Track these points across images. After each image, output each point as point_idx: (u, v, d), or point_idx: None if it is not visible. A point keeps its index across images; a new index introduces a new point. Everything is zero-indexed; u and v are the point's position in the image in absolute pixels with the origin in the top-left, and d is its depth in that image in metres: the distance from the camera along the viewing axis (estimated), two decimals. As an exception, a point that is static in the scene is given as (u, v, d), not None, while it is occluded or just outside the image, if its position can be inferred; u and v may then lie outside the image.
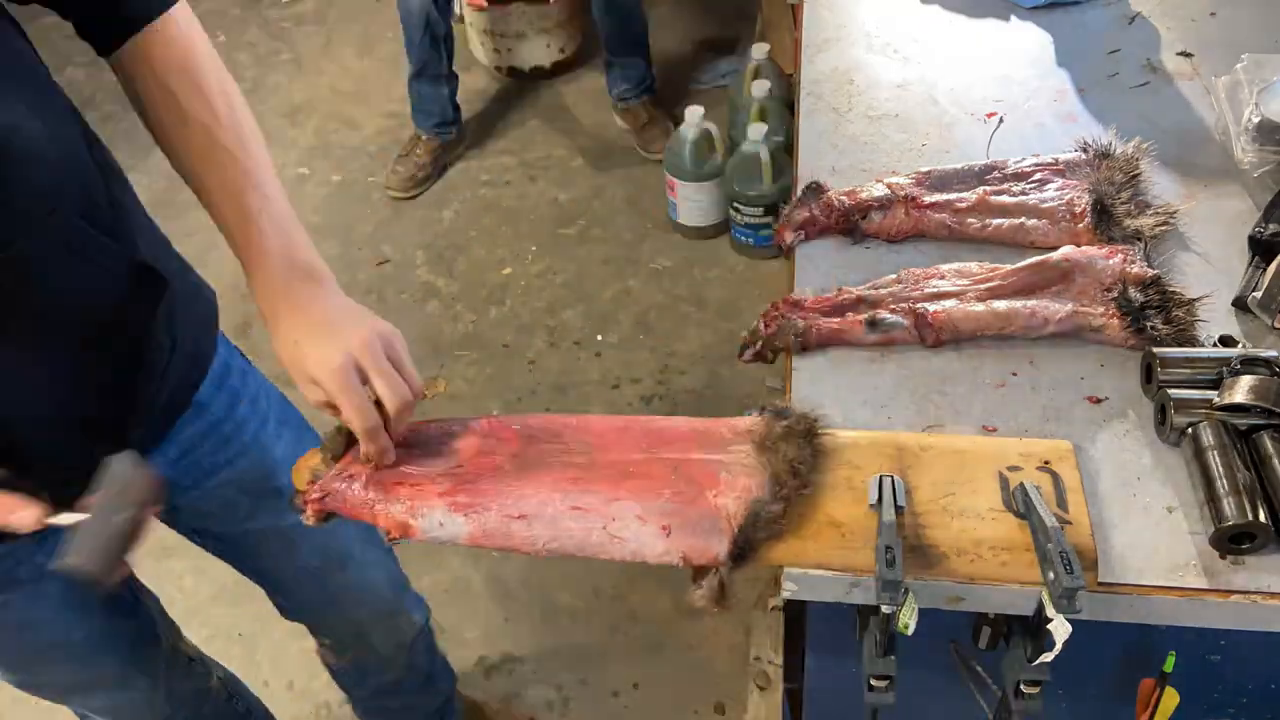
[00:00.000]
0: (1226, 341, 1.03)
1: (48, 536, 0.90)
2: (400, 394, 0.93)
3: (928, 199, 1.20)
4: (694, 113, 2.64)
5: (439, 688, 1.78)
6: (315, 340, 0.93)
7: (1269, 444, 0.91)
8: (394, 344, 0.95)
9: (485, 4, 2.94)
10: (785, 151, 2.56)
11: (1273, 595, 0.86)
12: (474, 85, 3.33)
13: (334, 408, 0.94)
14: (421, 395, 0.95)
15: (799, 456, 0.91)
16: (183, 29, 1.01)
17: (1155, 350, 0.99)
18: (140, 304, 1.07)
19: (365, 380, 0.92)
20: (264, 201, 1.00)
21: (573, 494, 0.92)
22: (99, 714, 1.38)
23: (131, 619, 1.32)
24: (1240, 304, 1.08)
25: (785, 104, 2.65)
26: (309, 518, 0.95)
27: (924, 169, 1.25)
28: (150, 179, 3.11)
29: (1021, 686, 0.90)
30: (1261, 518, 0.86)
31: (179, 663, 1.43)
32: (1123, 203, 1.16)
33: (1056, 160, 1.23)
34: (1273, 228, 1.11)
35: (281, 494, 1.26)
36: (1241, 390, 0.93)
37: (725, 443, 0.95)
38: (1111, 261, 1.09)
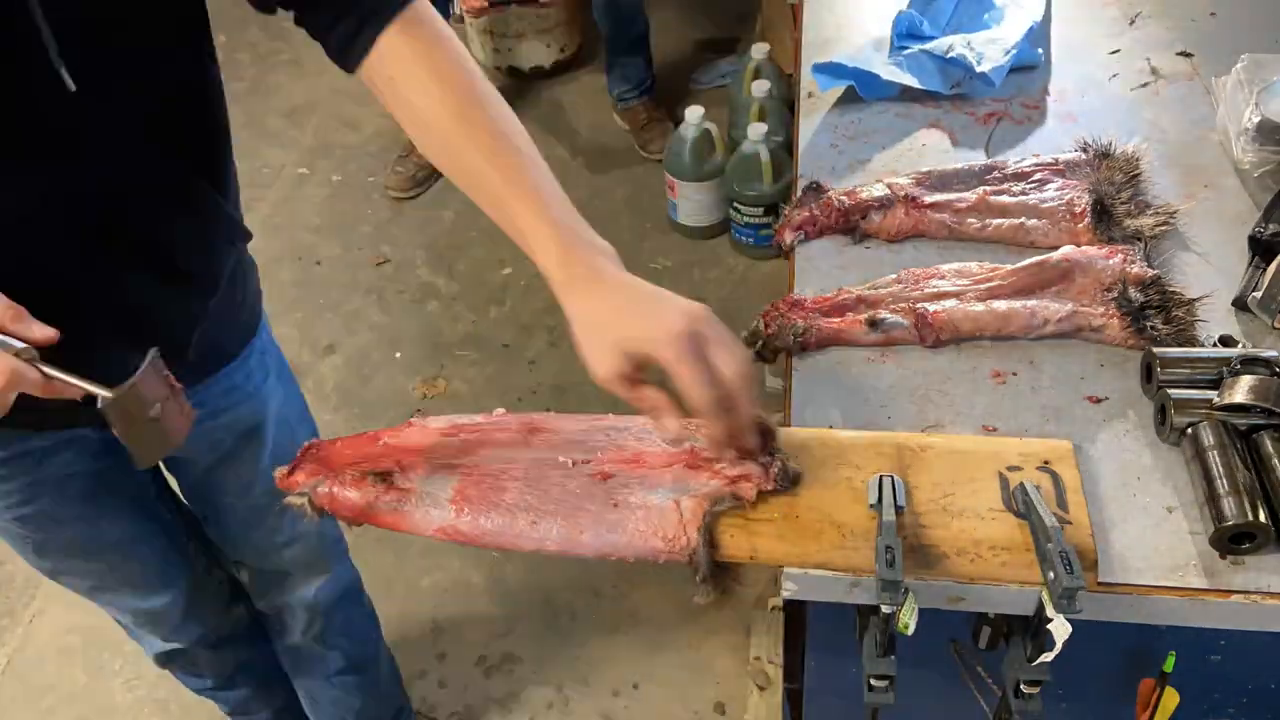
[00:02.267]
0: (1226, 341, 1.03)
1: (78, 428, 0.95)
2: (745, 365, 0.84)
3: (928, 199, 1.20)
4: (694, 113, 2.64)
5: (383, 690, 1.79)
6: (647, 305, 0.85)
7: (1269, 444, 0.91)
8: (714, 318, 0.86)
9: (485, 5, 2.93)
10: (785, 151, 2.56)
11: (1273, 595, 0.86)
12: (474, 85, 3.33)
13: (634, 385, 0.86)
14: (750, 364, 0.87)
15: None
16: (424, 18, 0.98)
17: (1155, 350, 0.99)
18: (224, 253, 1.13)
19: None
20: (545, 183, 0.94)
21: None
22: (125, 615, 1.45)
23: (160, 529, 1.37)
24: (1240, 304, 1.08)
25: (785, 104, 2.65)
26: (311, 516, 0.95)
27: (924, 169, 1.25)
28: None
29: (1021, 686, 0.90)
30: (1261, 518, 0.86)
31: (209, 584, 1.49)
32: (1123, 203, 1.16)
33: (1056, 160, 1.23)
34: (1273, 228, 1.11)
35: (264, 442, 1.32)
36: (1241, 390, 0.93)
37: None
38: (1111, 261, 1.09)
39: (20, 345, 0.84)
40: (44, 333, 0.84)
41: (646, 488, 0.93)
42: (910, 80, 1.38)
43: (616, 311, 0.86)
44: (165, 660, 1.56)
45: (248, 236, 1.19)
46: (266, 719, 1.78)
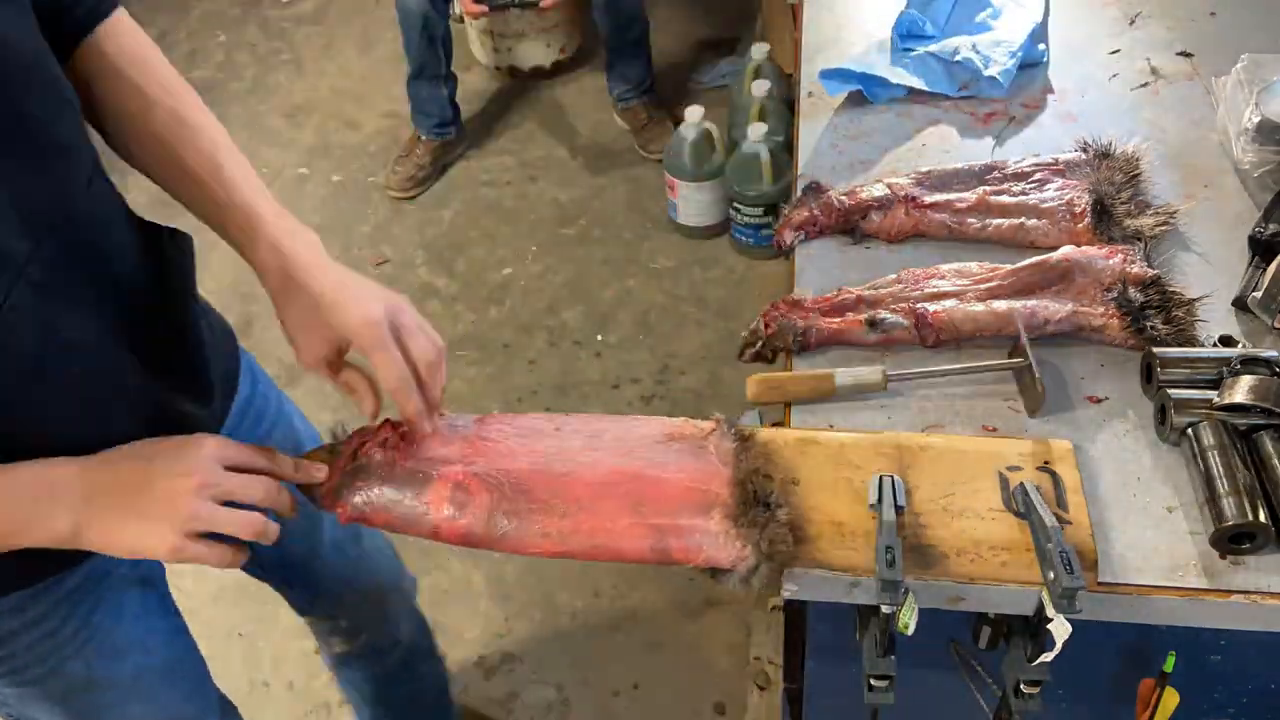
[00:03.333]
0: (1226, 341, 1.03)
1: None
2: (435, 350, 0.93)
3: (928, 199, 1.20)
4: (694, 113, 2.64)
5: (438, 669, 1.78)
6: (349, 294, 0.93)
7: (1269, 444, 0.91)
8: (406, 307, 0.95)
9: (486, 9, 2.92)
10: (785, 151, 2.56)
11: (1273, 595, 0.86)
12: (474, 85, 3.33)
13: (333, 369, 0.95)
14: (443, 350, 0.96)
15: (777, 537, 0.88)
16: (129, 27, 1.00)
17: (1155, 350, 0.99)
18: (179, 274, 1.07)
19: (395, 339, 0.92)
20: (243, 169, 0.99)
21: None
22: None
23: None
24: (1240, 304, 1.08)
25: (785, 104, 2.65)
26: (341, 515, 0.95)
27: (924, 169, 1.25)
28: (148, 180, 3.11)
29: (1021, 686, 0.90)
30: (1261, 518, 0.86)
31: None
32: (1123, 203, 1.16)
33: (1056, 160, 1.23)
34: (1273, 228, 1.11)
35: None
36: (1241, 390, 0.93)
37: (707, 506, 0.91)
38: (1111, 261, 1.09)
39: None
40: (322, 472, 0.93)
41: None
42: (918, 83, 1.39)
43: (323, 302, 0.92)
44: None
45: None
46: None
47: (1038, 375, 0.98)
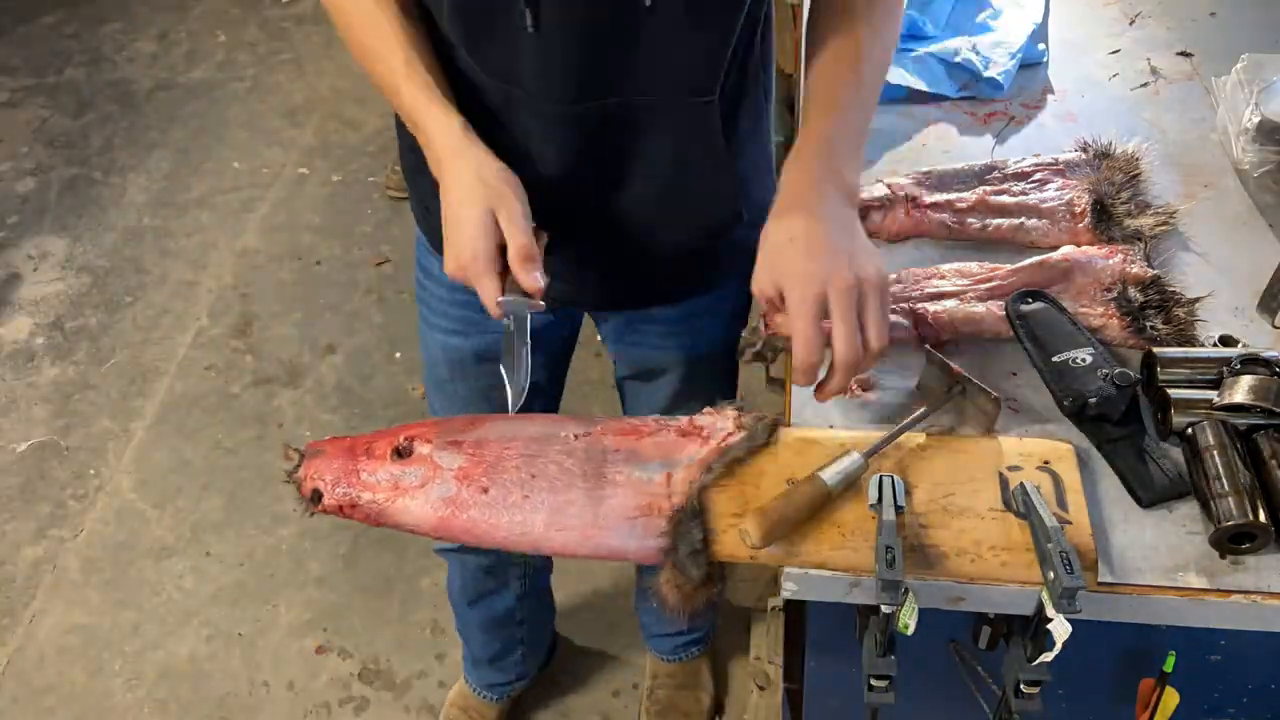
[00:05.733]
0: (1226, 341, 1.03)
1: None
2: (852, 351, 0.90)
3: (928, 199, 1.20)
4: (694, 113, 2.64)
5: None
6: (807, 249, 0.93)
7: (1269, 444, 0.91)
8: (873, 296, 0.91)
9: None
10: (785, 151, 2.55)
11: (1273, 595, 0.86)
12: (474, 85, 3.33)
13: (774, 309, 0.97)
14: (882, 355, 0.93)
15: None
16: None
17: (1155, 350, 0.99)
18: (714, 220, 1.15)
19: (826, 316, 0.91)
20: (854, 110, 1.05)
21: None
22: None
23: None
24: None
25: (785, 104, 2.64)
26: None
27: (924, 169, 1.25)
28: (150, 179, 3.11)
29: (1021, 686, 0.90)
30: (1261, 518, 0.85)
31: None
32: (1123, 203, 1.16)
33: (1056, 160, 1.23)
34: None
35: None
36: (1241, 390, 0.93)
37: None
38: (1111, 261, 1.09)
39: (539, 304, 0.96)
40: (534, 284, 0.95)
41: (638, 462, 0.94)
42: (918, 83, 1.39)
43: (789, 241, 0.95)
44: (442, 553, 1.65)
45: None
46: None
47: (988, 391, 0.96)
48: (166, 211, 3.04)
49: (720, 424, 0.97)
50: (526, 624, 1.81)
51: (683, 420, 0.99)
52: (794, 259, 0.93)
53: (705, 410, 1.00)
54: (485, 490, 0.93)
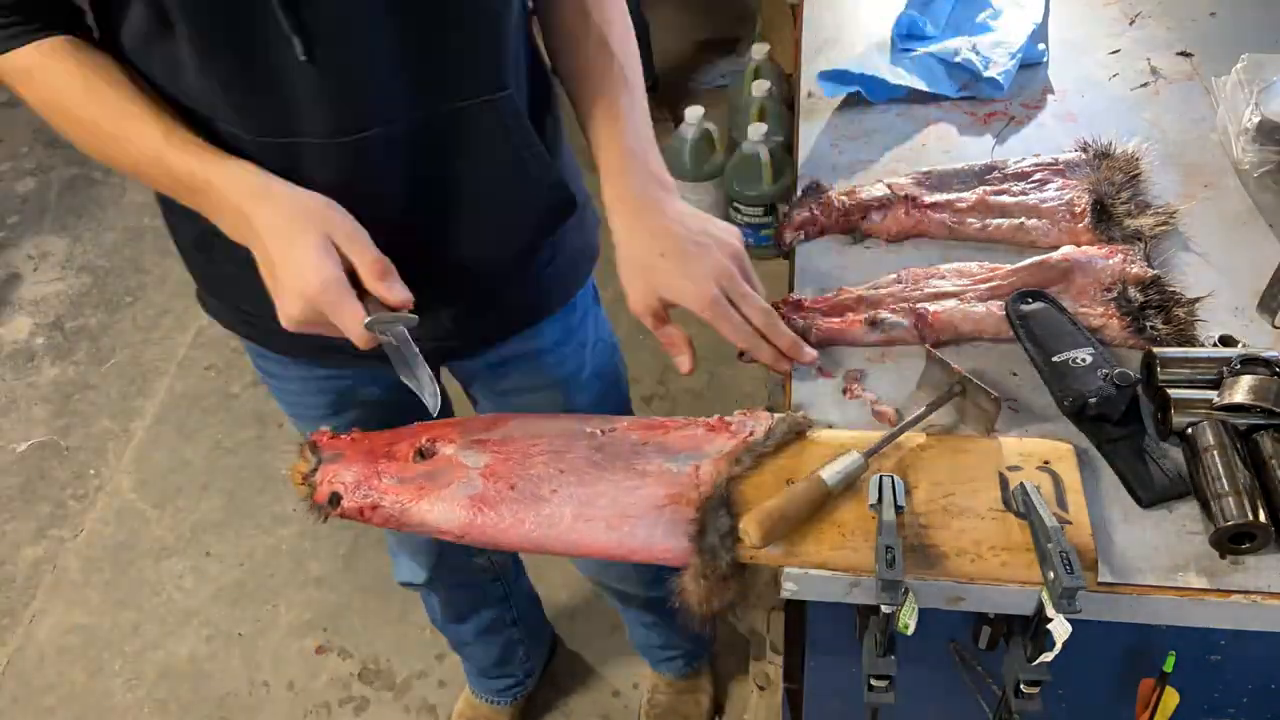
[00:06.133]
0: (1226, 341, 1.03)
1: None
2: (765, 312, 1.00)
3: (928, 199, 1.20)
4: (694, 113, 2.64)
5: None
6: (680, 254, 0.99)
7: (1269, 444, 0.91)
8: (742, 258, 1.01)
9: None
10: (785, 151, 2.56)
11: (1273, 595, 0.86)
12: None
13: (658, 320, 1.02)
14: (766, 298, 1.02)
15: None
16: None
17: (1155, 350, 0.99)
18: (546, 215, 1.13)
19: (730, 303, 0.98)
20: (633, 109, 1.05)
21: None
22: (392, 535, 1.47)
23: None
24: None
25: (785, 104, 2.65)
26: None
27: (924, 169, 1.25)
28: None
29: (1021, 686, 0.90)
30: (1261, 518, 0.85)
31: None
32: (1123, 203, 1.16)
33: (1056, 160, 1.23)
34: None
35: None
36: (1241, 390, 0.93)
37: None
38: (1111, 261, 1.09)
39: (411, 318, 0.90)
40: (401, 296, 0.89)
41: (667, 455, 0.95)
42: (918, 84, 1.39)
43: (657, 258, 0.99)
44: (408, 586, 1.62)
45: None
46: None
47: (988, 391, 0.96)
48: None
49: (750, 423, 0.98)
50: (520, 623, 1.81)
51: (712, 418, 1.00)
52: (672, 273, 0.98)
53: (737, 412, 1.01)
54: (513, 486, 0.93)
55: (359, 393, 1.24)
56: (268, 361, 1.23)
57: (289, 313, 0.88)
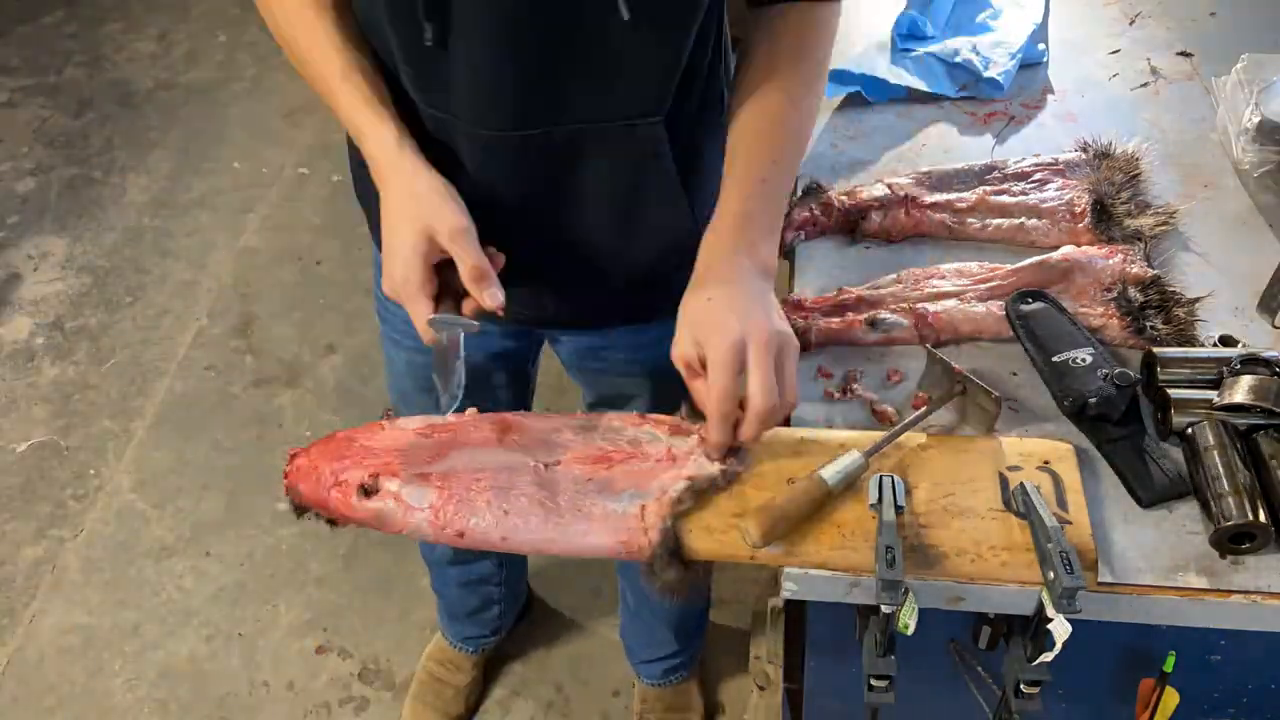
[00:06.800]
0: (1226, 341, 1.03)
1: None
2: (769, 399, 0.88)
3: (928, 199, 1.20)
4: (694, 113, 2.64)
5: None
6: (726, 307, 0.91)
7: (1269, 444, 0.91)
8: (788, 353, 0.91)
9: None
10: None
11: (1273, 595, 0.86)
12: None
13: (694, 375, 0.93)
14: (791, 409, 0.93)
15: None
16: (813, 21, 1.04)
17: (1155, 350, 0.99)
18: (664, 238, 1.10)
19: (743, 370, 0.89)
20: (771, 184, 1.00)
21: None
22: None
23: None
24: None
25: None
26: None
27: (924, 169, 1.25)
28: (150, 179, 3.11)
29: (1021, 686, 0.90)
30: (1261, 518, 0.85)
31: None
32: (1123, 203, 1.16)
33: (1056, 160, 1.23)
34: None
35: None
36: (1241, 390, 0.93)
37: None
38: (1111, 261, 1.09)
39: (473, 324, 0.93)
40: (491, 302, 0.92)
41: (610, 494, 0.93)
42: (918, 83, 1.39)
43: (707, 303, 0.92)
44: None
45: None
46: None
47: (989, 391, 0.96)
48: (166, 211, 3.04)
49: (694, 448, 0.95)
50: (504, 584, 1.86)
51: (660, 447, 0.97)
52: (712, 317, 0.91)
53: (677, 420, 0.99)
54: (461, 534, 0.92)
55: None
56: None
57: (383, 286, 0.96)
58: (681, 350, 0.93)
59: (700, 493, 0.91)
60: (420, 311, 0.93)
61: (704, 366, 0.91)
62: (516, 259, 0.99)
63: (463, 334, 0.95)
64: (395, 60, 0.98)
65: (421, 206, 0.93)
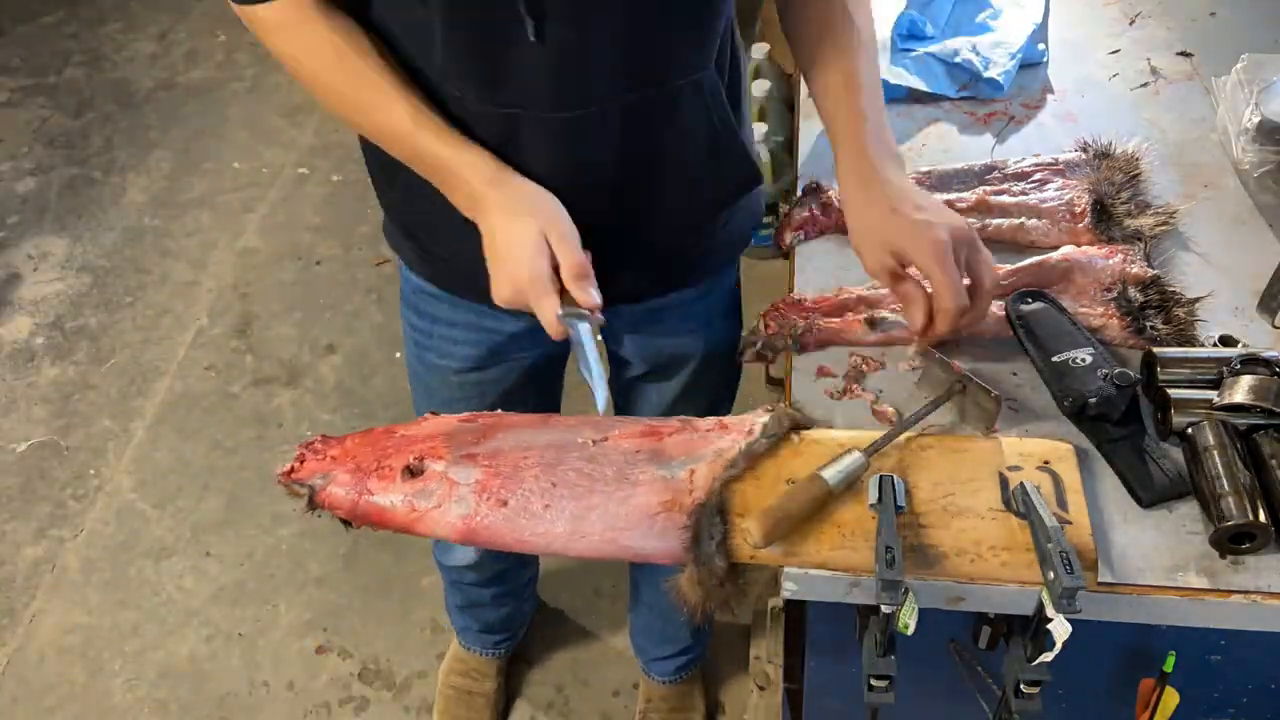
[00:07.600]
0: (1226, 341, 1.03)
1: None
2: (961, 298, 0.96)
3: (928, 199, 1.20)
4: (694, 113, 2.64)
5: None
6: (917, 211, 0.98)
7: (1269, 444, 0.91)
8: (977, 240, 0.99)
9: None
10: (785, 151, 2.56)
11: (1273, 595, 0.86)
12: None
13: (894, 279, 1.00)
14: (996, 283, 1.01)
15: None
16: None
17: (1155, 350, 0.99)
18: (734, 185, 1.16)
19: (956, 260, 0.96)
20: (871, 77, 1.09)
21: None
22: None
23: None
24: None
25: (785, 104, 2.64)
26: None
27: (924, 169, 1.25)
28: (150, 179, 3.11)
29: (1021, 686, 0.90)
30: (1261, 518, 0.85)
31: None
32: (1123, 203, 1.16)
33: (1056, 160, 1.23)
34: None
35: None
36: (1241, 390, 0.93)
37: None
38: (1111, 261, 1.09)
39: (599, 317, 0.95)
40: (591, 300, 0.95)
41: (660, 462, 0.94)
42: (918, 83, 1.39)
43: (889, 214, 0.99)
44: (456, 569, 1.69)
45: None
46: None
47: (989, 390, 0.96)
48: (166, 211, 3.04)
49: (749, 421, 0.97)
50: (525, 590, 1.92)
51: (710, 420, 0.99)
52: (905, 225, 0.97)
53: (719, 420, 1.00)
54: (505, 504, 0.92)
55: (511, 352, 1.28)
56: (435, 303, 1.26)
57: (500, 293, 0.99)
58: (878, 263, 1.00)
59: (756, 456, 0.94)
60: (551, 305, 0.95)
61: (904, 269, 0.99)
62: (596, 242, 1.02)
63: (590, 327, 0.97)
64: (449, 71, 0.98)
65: (535, 211, 0.97)
